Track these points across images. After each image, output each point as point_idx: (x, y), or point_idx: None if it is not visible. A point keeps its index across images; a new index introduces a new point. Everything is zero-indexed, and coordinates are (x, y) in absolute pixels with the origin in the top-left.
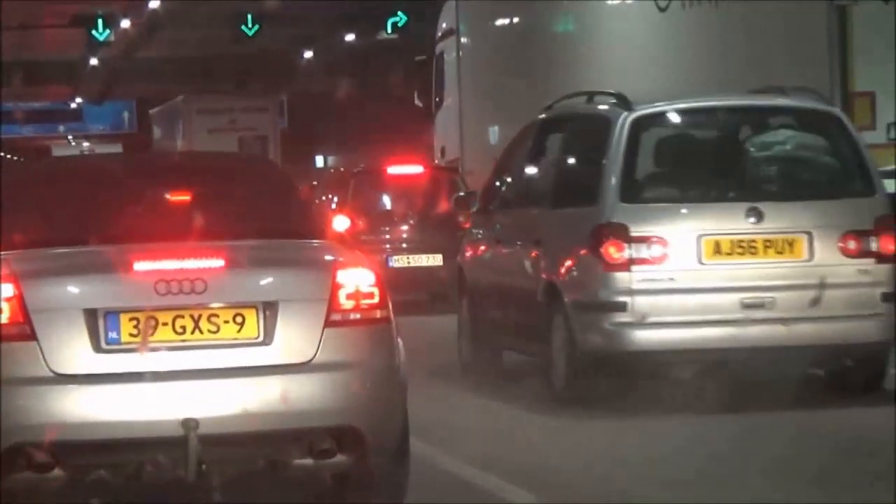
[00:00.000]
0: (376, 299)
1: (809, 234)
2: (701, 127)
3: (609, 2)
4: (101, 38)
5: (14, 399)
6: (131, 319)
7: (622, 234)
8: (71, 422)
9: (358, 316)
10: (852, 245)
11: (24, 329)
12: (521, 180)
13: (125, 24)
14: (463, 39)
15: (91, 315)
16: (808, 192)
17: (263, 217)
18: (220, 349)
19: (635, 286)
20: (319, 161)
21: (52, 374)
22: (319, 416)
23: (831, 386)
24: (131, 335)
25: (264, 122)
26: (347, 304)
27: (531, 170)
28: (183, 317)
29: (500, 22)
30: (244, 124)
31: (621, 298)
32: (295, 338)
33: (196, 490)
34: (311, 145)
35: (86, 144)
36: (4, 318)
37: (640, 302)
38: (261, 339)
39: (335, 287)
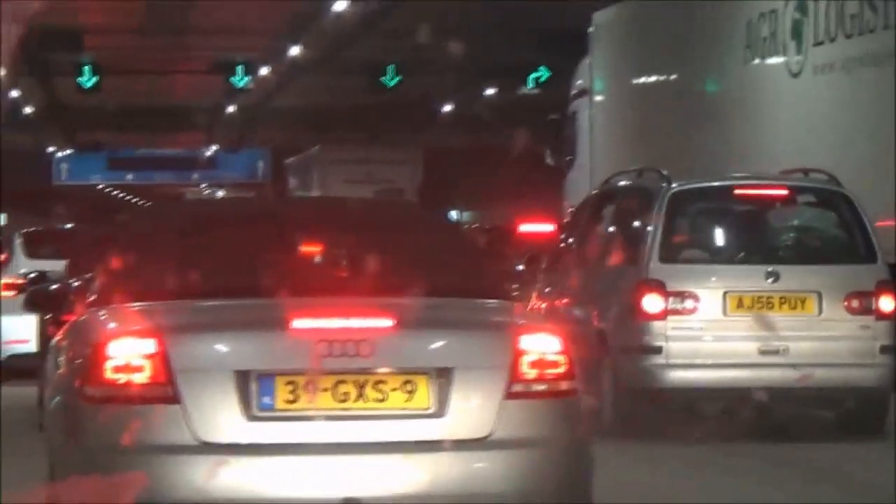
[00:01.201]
0: (563, 368)
1: (819, 293)
2: (730, 201)
3: (746, 64)
4: (240, 85)
5: (153, 469)
6: (288, 384)
7: (660, 289)
8: (217, 497)
9: (543, 387)
10: (855, 304)
11: (168, 391)
12: (580, 243)
13: (264, 70)
14: (597, 98)
15: (243, 377)
16: (818, 258)
17: (435, 272)
18: (386, 420)
19: (669, 333)
20: (453, 216)
21: (196, 443)
22: (497, 500)
23: (840, 427)
24: (287, 401)
25: (402, 174)
26: (531, 373)
27: (588, 234)
28: (346, 382)
29: (634, 81)
30: (381, 176)
31: (658, 343)
32: (471, 410)
33: None
34: (446, 200)
35: (220, 193)
36: (146, 378)
37: (674, 347)
38: (433, 410)
39: (517, 354)
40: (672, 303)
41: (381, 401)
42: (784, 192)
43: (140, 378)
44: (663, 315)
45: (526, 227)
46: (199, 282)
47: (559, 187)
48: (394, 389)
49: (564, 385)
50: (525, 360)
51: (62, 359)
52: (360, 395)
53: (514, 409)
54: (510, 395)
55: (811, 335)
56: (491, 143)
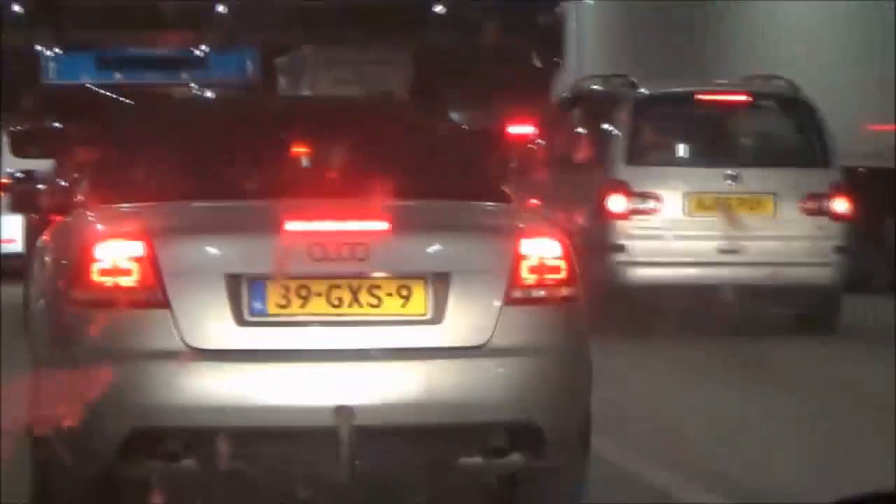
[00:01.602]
0: (563, 274)
1: (776, 194)
2: (693, 106)
3: None
4: None
5: (141, 376)
6: (280, 288)
7: (624, 190)
8: (206, 405)
9: (542, 293)
10: (811, 205)
11: (157, 295)
12: (550, 145)
13: None
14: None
15: (234, 281)
16: (776, 161)
17: (432, 173)
18: (381, 327)
19: (633, 232)
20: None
21: (186, 349)
22: (494, 409)
23: (796, 322)
24: (279, 306)
25: (393, 76)
26: (530, 278)
27: (557, 136)
28: (340, 287)
29: None
30: (372, 77)
31: (622, 242)
32: (468, 316)
33: (347, 490)
34: (436, 102)
35: (209, 94)
36: (134, 282)
37: (637, 245)
38: (429, 316)
39: (517, 258)
40: (636, 203)
41: (376, 306)
42: (745, 98)
43: (128, 282)
44: (628, 215)
45: (514, 129)
46: (189, 183)
47: (547, 89)
48: (389, 295)
49: (565, 291)
50: (525, 266)
51: (48, 261)
52: (354, 301)
53: (513, 316)
54: (509, 302)
55: (768, 235)
56: (482, 46)
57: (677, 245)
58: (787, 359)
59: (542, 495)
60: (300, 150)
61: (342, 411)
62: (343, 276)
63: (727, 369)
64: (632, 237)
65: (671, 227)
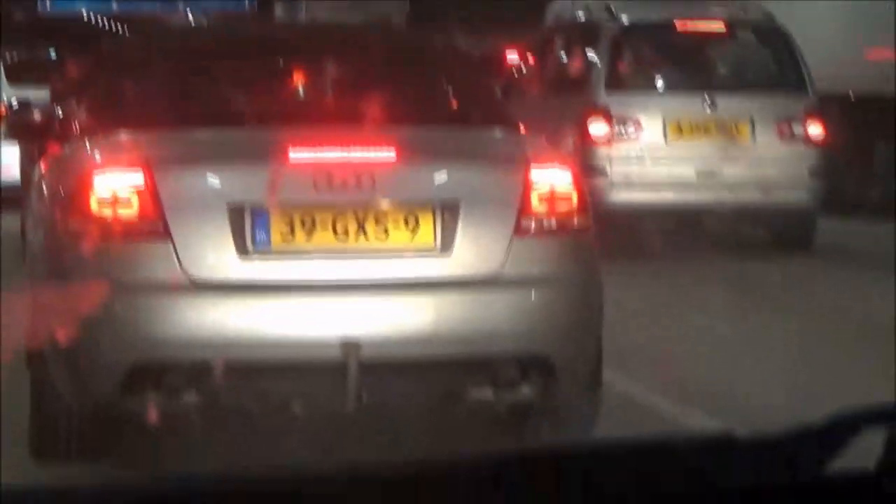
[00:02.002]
0: (574, 203)
1: (752, 120)
2: (672, 34)
3: None
4: None
5: (142, 309)
6: (284, 218)
7: (606, 116)
8: (209, 338)
9: (553, 223)
10: (786, 130)
11: (157, 226)
12: (535, 73)
13: None
14: None
15: (236, 212)
16: (753, 87)
17: (439, 100)
18: (387, 258)
19: (614, 157)
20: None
21: (188, 282)
22: (504, 341)
23: (774, 243)
24: (283, 238)
25: (390, 5)
26: (541, 208)
27: (540, 64)
28: (345, 217)
29: None
30: (368, 5)
31: (603, 165)
32: (478, 247)
33: (353, 424)
34: (434, 31)
35: (208, 21)
36: (133, 213)
37: (618, 169)
38: (437, 246)
39: (528, 187)
40: (617, 129)
41: (383, 237)
42: (722, 26)
43: (127, 213)
44: (609, 140)
45: (513, 57)
46: (189, 111)
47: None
48: (396, 225)
49: (576, 220)
50: (535, 194)
51: (45, 190)
52: (360, 232)
53: (524, 246)
54: (519, 232)
55: (745, 159)
56: None
57: (657, 169)
58: (768, 279)
59: (553, 426)
60: (304, 77)
61: (348, 345)
62: (349, 206)
63: (712, 289)
64: (613, 161)
65: (651, 151)
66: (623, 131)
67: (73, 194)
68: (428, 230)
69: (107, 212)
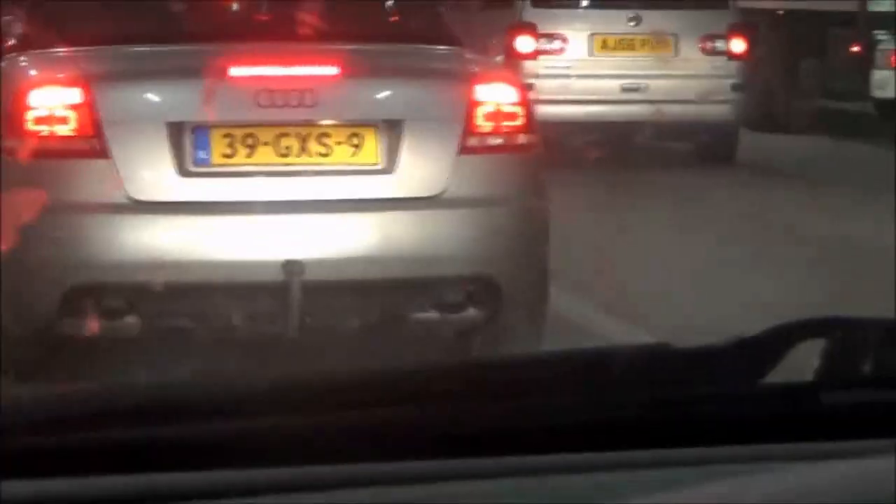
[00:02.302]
0: (521, 121)
1: (676, 35)
2: None
3: None
4: None
5: (81, 230)
6: (225, 136)
7: (531, 31)
8: (148, 259)
9: (499, 141)
10: (709, 45)
11: (95, 144)
12: None
13: None
14: None
15: (176, 129)
16: (677, 3)
17: (384, 16)
18: (330, 176)
19: (541, 71)
20: None
21: (127, 201)
22: (449, 263)
23: (697, 155)
24: (224, 156)
25: None
26: (486, 126)
27: None
28: (288, 135)
29: None
30: None
31: (530, 80)
32: (422, 165)
33: (295, 347)
34: None
35: None
36: (71, 130)
37: (545, 84)
38: (381, 165)
39: (472, 105)
40: (543, 44)
41: (326, 155)
42: None
43: (65, 130)
44: (535, 55)
45: None
46: (128, 27)
47: None
48: (339, 143)
49: (522, 139)
50: (480, 112)
51: None
52: (302, 150)
53: (469, 165)
54: (465, 150)
55: (669, 74)
56: None
57: (583, 84)
58: (692, 190)
59: (499, 347)
60: None
61: (291, 266)
62: (291, 123)
63: (640, 201)
64: (539, 76)
65: (577, 66)
66: (549, 46)
67: (8, 111)
68: (371, 148)
69: (44, 129)
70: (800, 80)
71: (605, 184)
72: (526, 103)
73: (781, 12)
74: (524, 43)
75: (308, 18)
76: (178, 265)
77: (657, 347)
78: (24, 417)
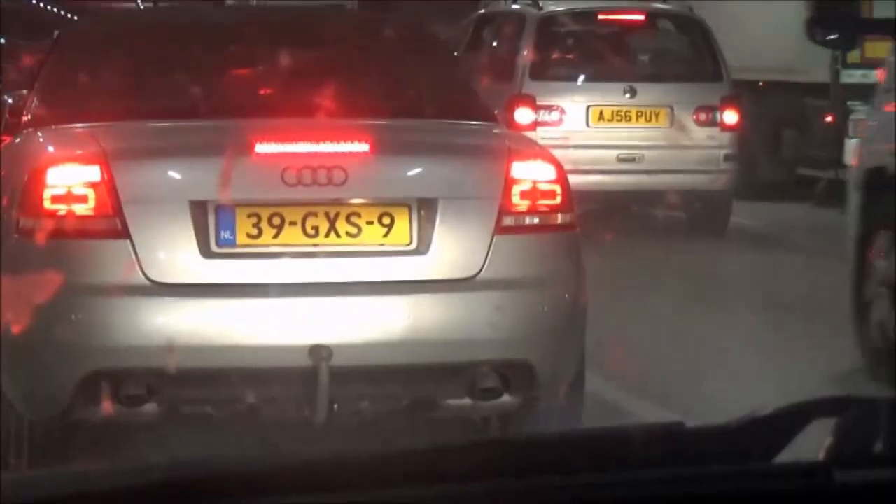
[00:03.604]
0: (558, 199)
1: (671, 107)
2: (594, 25)
3: None
4: None
5: (99, 313)
6: (250, 216)
7: (531, 103)
8: (170, 344)
9: (536, 220)
10: (703, 117)
11: (115, 224)
12: (466, 62)
13: None
14: None
15: (199, 209)
16: (672, 76)
17: (414, 90)
18: (360, 258)
19: (540, 142)
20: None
21: (147, 283)
22: (484, 348)
23: (689, 225)
24: (249, 236)
25: None
26: (523, 204)
27: (469, 53)
28: (316, 215)
29: None
30: None
31: None
32: (457, 246)
33: (323, 434)
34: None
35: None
36: (89, 210)
37: None
38: (414, 246)
39: (509, 183)
40: (542, 115)
41: (355, 236)
42: (642, 17)
43: (83, 209)
44: (534, 126)
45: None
46: (149, 101)
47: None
48: (369, 223)
49: (560, 218)
50: (517, 190)
51: None
52: (331, 230)
53: (506, 245)
54: (501, 230)
55: (664, 145)
56: None
57: (580, 154)
58: (686, 260)
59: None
60: (271, 67)
61: (318, 351)
62: (319, 202)
63: (636, 268)
64: None
65: (574, 137)
66: (548, 117)
67: (24, 189)
68: (403, 228)
69: (61, 208)
70: (781, 149)
71: (597, 252)
72: (563, 181)
73: (762, 83)
74: (523, 114)
75: (337, 92)
76: (201, 350)
77: (672, 426)
78: (41, 493)
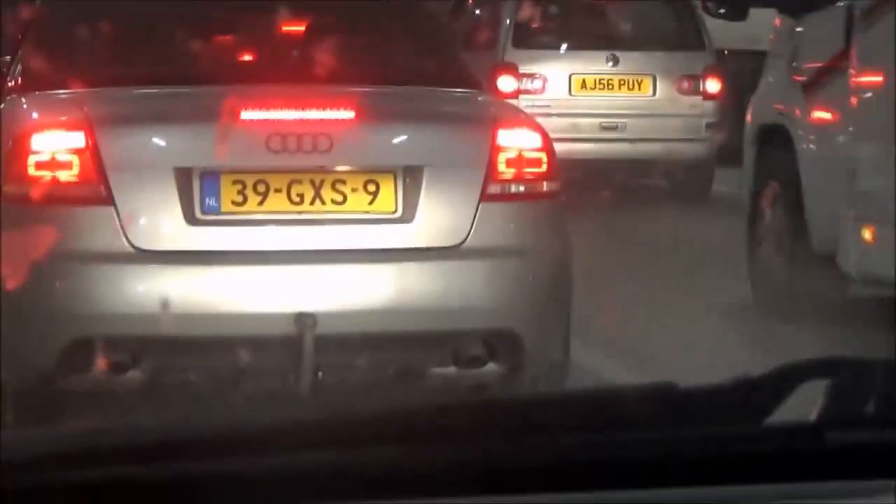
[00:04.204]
0: (544, 167)
1: (653, 76)
2: None
3: None
4: None
5: (82, 280)
6: (235, 183)
7: (513, 71)
8: (154, 312)
9: (521, 188)
10: (685, 85)
11: (99, 190)
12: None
13: None
14: None
15: (184, 176)
16: (654, 45)
17: (400, 57)
18: (346, 225)
19: (523, 109)
20: None
21: (132, 250)
22: (470, 316)
23: (672, 193)
24: (234, 203)
25: None
26: (509, 172)
27: (452, 23)
28: (301, 182)
29: None
30: None
31: None
32: (443, 214)
33: (307, 403)
34: None
35: None
36: (73, 176)
37: None
38: (399, 213)
39: (494, 150)
40: (524, 83)
41: (340, 203)
42: None
43: (67, 176)
44: (516, 94)
45: None
46: (133, 67)
47: None
48: (354, 190)
49: (546, 186)
50: (503, 158)
51: None
52: (316, 197)
53: (491, 213)
54: (486, 198)
55: (646, 113)
56: None
57: (563, 122)
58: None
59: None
60: (257, 33)
61: (303, 318)
62: (304, 169)
63: (619, 237)
64: None
65: (557, 105)
66: (530, 86)
67: (8, 156)
68: (389, 196)
69: (45, 175)
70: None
71: (580, 220)
72: (549, 149)
73: (726, 51)
74: (506, 82)
75: (322, 59)
76: (185, 317)
77: (663, 387)
78: (30, 454)
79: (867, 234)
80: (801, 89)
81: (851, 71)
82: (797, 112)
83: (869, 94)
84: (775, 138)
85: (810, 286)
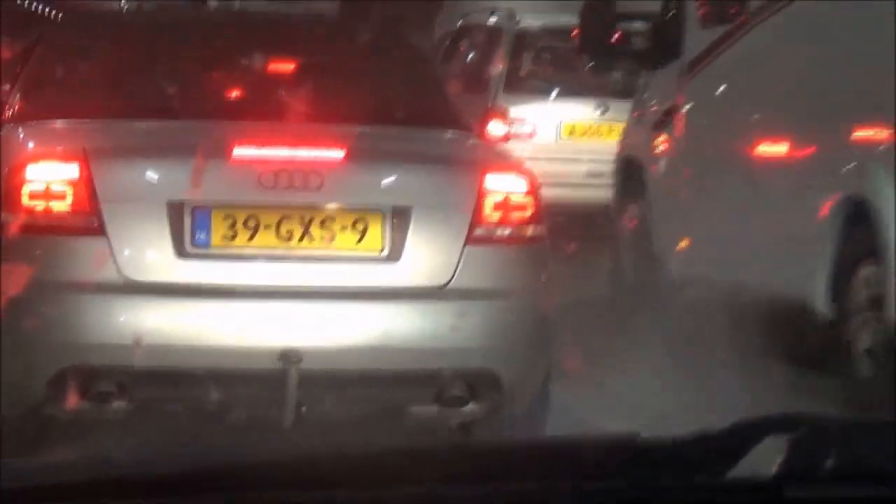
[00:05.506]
0: (530, 212)
1: None
2: (569, 41)
3: None
4: None
5: (72, 309)
6: (226, 218)
7: (503, 116)
8: (143, 342)
9: (507, 232)
10: None
11: (91, 221)
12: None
13: None
14: None
15: (176, 209)
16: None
17: (395, 98)
18: (333, 263)
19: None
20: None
21: (122, 281)
22: (452, 357)
23: None
24: (225, 238)
25: (321, 5)
26: (495, 216)
27: (447, 64)
28: (291, 219)
29: None
30: (300, 5)
31: None
32: (428, 255)
33: (291, 437)
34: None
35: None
36: (67, 206)
37: None
38: (386, 253)
39: (482, 194)
40: (514, 128)
41: (329, 241)
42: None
43: (61, 206)
44: (506, 139)
45: None
46: (129, 100)
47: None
48: (343, 229)
49: (530, 230)
50: (490, 202)
51: None
52: (305, 234)
53: (476, 256)
54: (472, 240)
55: None
56: None
57: (550, 167)
58: None
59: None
60: (252, 71)
61: (288, 354)
62: (294, 206)
63: (600, 281)
64: None
65: (544, 151)
66: (520, 131)
67: (4, 185)
68: (376, 236)
69: (39, 204)
70: None
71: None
72: (535, 194)
73: None
74: (496, 126)
75: (315, 97)
76: (172, 350)
77: (625, 438)
78: (30, 485)
79: (683, 244)
80: (649, 128)
81: (677, 114)
82: (645, 146)
83: (691, 132)
84: (633, 167)
85: (654, 283)
